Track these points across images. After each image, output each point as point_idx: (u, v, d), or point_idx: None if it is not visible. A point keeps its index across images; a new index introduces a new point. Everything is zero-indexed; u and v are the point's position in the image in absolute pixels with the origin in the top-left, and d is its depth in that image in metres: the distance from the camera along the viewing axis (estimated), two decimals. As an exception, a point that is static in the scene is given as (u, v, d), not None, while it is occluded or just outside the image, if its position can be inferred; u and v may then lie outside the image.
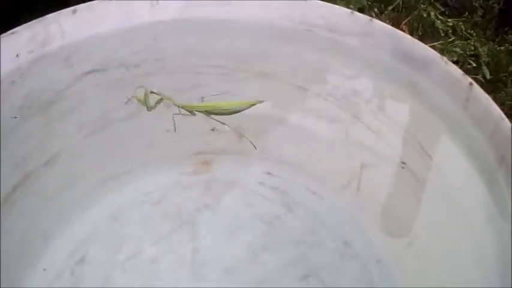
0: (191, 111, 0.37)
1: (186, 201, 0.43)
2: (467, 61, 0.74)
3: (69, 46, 0.36)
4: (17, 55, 0.34)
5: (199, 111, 0.37)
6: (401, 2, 0.80)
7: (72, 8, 0.36)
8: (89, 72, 0.37)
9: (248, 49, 0.41)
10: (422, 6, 0.73)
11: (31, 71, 0.34)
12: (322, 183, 0.44)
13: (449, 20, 0.76)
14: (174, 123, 0.37)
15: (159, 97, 0.35)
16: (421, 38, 0.75)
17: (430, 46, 0.37)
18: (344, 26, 0.38)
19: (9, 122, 0.33)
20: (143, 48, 0.39)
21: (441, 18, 0.74)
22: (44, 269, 0.37)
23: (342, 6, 0.39)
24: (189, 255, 0.41)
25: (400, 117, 0.39)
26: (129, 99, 0.36)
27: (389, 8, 0.73)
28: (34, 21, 0.34)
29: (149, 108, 0.35)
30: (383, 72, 0.38)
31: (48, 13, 0.38)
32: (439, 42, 0.70)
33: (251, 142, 0.40)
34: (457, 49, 0.69)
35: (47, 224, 0.38)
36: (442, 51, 0.70)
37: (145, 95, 0.34)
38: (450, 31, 0.74)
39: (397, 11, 0.79)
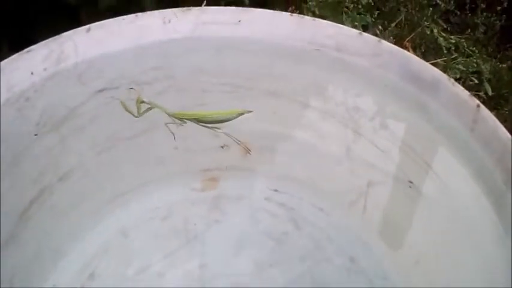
0: (181, 119, 0.37)
1: (194, 217, 0.44)
2: (469, 78, 0.75)
3: (82, 64, 0.37)
4: (32, 73, 0.34)
5: (189, 120, 0.38)
6: (403, 19, 0.81)
7: (86, 26, 0.36)
8: (101, 90, 0.38)
9: (256, 67, 0.42)
10: (426, 23, 0.74)
11: (45, 88, 0.35)
12: (329, 200, 0.45)
13: (451, 36, 0.77)
14: (172, 132, 0.38)
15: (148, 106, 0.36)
16: (424, 55, 0.76)
17: (433, 63, 0.38)
18: (353, 46, 0.38)
19: (27, 138, 0.34)
20: (154, 66, 0.39)
21: (444, 35, 0.74)
22: (54, 285, 0.38)
23: (347, 23, 0.40)
24: (196, 271, 0.41)
25: (408, 136, 0.39)
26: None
27: (393, 24, 0.74)
28: (50, 39, 0.35)
29: (138, 115, 0.36)
30: (390, 92, 0.39)
31: (59, 29, 0.39)
32: (441, 59, 0.71)
33: (246, 148, 0.41)
34: (460, 66, 0.70)
35: (59, 239, 0.38)
36: (444, 68, 0.71)
37: (137, 102, 0.35)
38: (453, 48, 0.75)
39: (400, 28, 0.80)
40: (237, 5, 0.50)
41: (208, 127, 0.39)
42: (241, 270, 0.41)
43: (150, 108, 0.36)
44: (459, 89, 0.35)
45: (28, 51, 0.34)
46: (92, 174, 0.40)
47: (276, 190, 0.46)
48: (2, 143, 0.32)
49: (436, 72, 0.36)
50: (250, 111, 0.38)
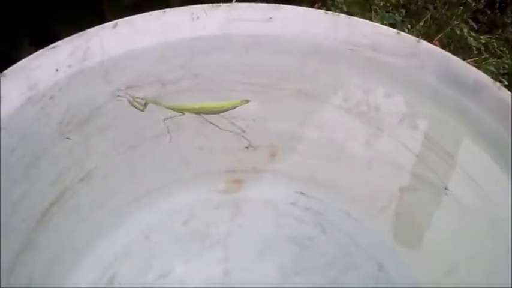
0: (181, 112, 0.37)
1: (217, 221, 0.43)
2: (499, 79, 0.72)
3: (108, 61, 0.35)
4: (57, 69, 0.33)
5: (189, 112, 0.37)
6: (429, 17, 0.79)
7: (113, 22, 0.35)
8: (126, 88, 0.37)
9: (286, 67, 0.40)
10: (455, 22, 0.72)
11: (70, 86, 0.34)
12: (356, 205, 0.43)
13: (481, 36, 0.74)
14: (168, 130, 0.38)
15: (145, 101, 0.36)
16: (453, 55, 0.73)
17: None
18: (390, 46, 0.37)
19: (49, 138, 0.33)
20: (180, 64, 0.38)
21: (474, 35, 0.72)
22: (73, 288, 0.37)
23: (376, 21, 0.38)
24: (219, 278, 0.40)
25: (445, 142, 0.37)
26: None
27: (421, 23, 0.72)
28: (75, 35, 0.34)
29: (142, 109, 0.36)
30: (429, 95, 0.37)
31: (81, 24, 0.37)
32: (472, 60, 0.68)
33: (246, 138, 0.40)
34: (491, 67, 0.67)
35: (79, 241, 0.37)
36: (475, 69, 0.68)
37: (133, 99, 0.35)
38: (482, 48, 0.73)
39: (427, 26, 0.77)
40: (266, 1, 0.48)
41: (211, 122, 0.39)
42: (266, 276, 0.40)
43: (147, 104, 0.36)
44: (506, 93, 0.33)
45: (53, 48, 0.32)
46: (113, 174, 0.39)
47: (302, 193, 0.44)
48: (23, 144, 0.31)
49: (480, 75, 0.34)
50: (249, 101, 0.37)
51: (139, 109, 0.36)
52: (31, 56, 0.32)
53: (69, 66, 0.34)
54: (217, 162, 0.43)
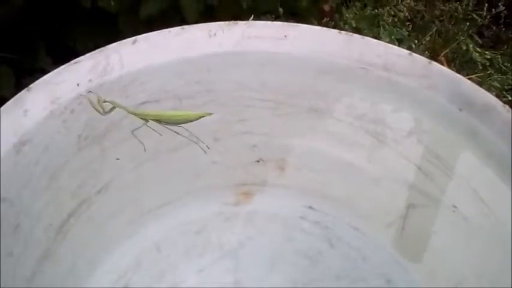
0: (145, 119, 0.36)
1: (227, 233, 0.43)
2: (503, 94, 0.73)
3: (127, 76, 0.36)
4: (78, 84, 0.34)
5: (152, 119, 0.37)
6: (434, 32, 0.80)
7: (132, 38, 0.36)
8: (143, 103, 0.37)
9: (299, 84, 0.41)
10: (462, 37, 0.73)
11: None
12: (365, 219, 0.44)
13: (486, 52, 0.75)
14: (141, 141, 0.37)
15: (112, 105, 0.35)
16: (458, 70, 0.74)
17: (468, 79, 0.37)
18: (401, 66, 0.37)
19: (69, 150, 0.33)
20: (197, 80, 0.39)
21: (479, 50, 0.73)
22: (88, 298, 0.37)
23: (384, 37, 0.39)
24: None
25: (454, 161, 0.38)
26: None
27: (427, 38, 0.73)
28: (96, 50, 0.34)
29: (104, 114, 0.34)
30: (438, 115, 0.38)
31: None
32: (476, 75, 0.69)
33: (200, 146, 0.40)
34: (495, 83, 0.68)
35: (94, 252, 0.38)
36: (479, 85, 0.69)
37: (98, 102, 0.34)
38: (488, 64, 0.74)
39: (433, 40, 0.78)
40: (273, 15, 0.49)
41: (169, 128, 0.38)
42: (276, 288, 0.40)
43: (113, 108, 0.35)
44: (514, 116, 0.34)
45: (75, 63, 0.33)
46: (129, 187, 0.39)
47: (311, 207, 0.45)
48: (46, 156, 0.32)
49: (490, 97, 0.35)
50: (211, 114, 0.36)
51: (100, 113, 0.34)
52: (55, 70, 0.33)
53: (90, 80, 0.35)
54: (229, 175, 0.44)
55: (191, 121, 0.37)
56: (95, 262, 0.38)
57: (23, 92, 0.32)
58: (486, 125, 0.35)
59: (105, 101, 0.34)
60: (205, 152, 0.40)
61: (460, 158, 0.38)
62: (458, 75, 0.36)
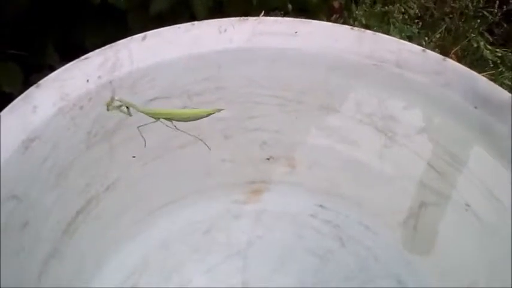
0: (156, 118, 0.36)
1: (236, 231, 0.43)
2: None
3: (137, 72, 0.36)
4: (87, 80, 0.34)
5: (162, 118, 0.36)
6: (443, 29, 0.79)
7: (142, 34, 0.35)
8: (152, 100, 0.37)
9: (310, 81, 0.40)
10: (472, 35, 0.72)
11: (99, 97, 0.34)
12: (376, 218, 0.43)
13: (497, 49, 0.74)
14: (143, 137, 0.36)
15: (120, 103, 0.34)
16: (469, 67, 0.73)
17: None
18: (415, 63, 0.37)
19: (78, 148, 0.33)
20: (207, 76, 0.38)
21: (490, 48, 0.72)
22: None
23: (394, 34, 0.38)
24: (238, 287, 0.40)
25: (467, 159, 0.37)
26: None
27: (437, 35, 0.72)
28: (106, 46, 0.34)
29: (109, 109, 0.34)
30: (452, 113, 0.37)
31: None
32: (487, 73, 0.68)
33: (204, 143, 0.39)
34: (507, 81, 0.67)
35: (101, 250, 0.37)
36: (490, 82, 0.68)
37: (111, 100, 0.34)
38: (499, 61, 0.73)
39: (442, 38, 0.78)
40: (282, 12, 0.49)
41: (178, 128, 0.37)
42: (284, 288, 0.40)
43: (121, 105, 0.34)
44: (532, 114, 0.33)
45: (85, 59, 0.33)
46: (137, 184, 0.39)
47: (321, 206, 0.44)
48: (54, 153, 0.32)
49: (506, 94, 0.34)
50: (221, 110, 0.36)
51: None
52: (64, 67, 0.32)
53: (99, 77, 0.34)
54: (239, 173, 0.43)
55: (201, 118, 0.36)
56: (102, 261, 0.38)
57: (32, 88, 0.32)
58: (501, 122, 0.35)
59: (115, 100, 0.34)
60: (209, 150, 0.39)
61: (473, 156, 0.37)
62: (473, 72, 0.35)
